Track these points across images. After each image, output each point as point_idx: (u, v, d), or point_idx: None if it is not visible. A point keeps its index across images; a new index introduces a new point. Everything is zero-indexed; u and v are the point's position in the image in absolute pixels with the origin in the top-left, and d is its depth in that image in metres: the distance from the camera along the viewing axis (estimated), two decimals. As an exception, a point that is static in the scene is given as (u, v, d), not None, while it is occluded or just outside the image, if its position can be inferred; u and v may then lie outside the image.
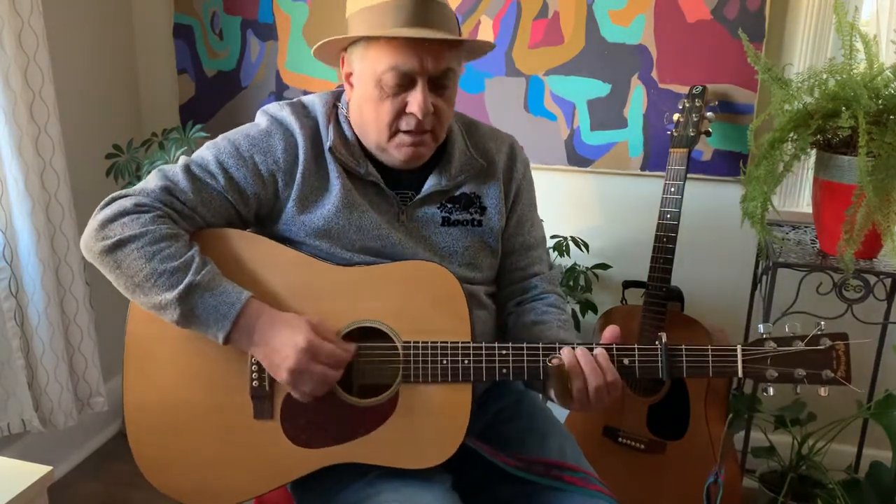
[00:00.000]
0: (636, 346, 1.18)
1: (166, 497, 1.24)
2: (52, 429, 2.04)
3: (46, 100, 1.91)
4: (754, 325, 2.16)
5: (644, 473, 1.96)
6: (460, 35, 1.24)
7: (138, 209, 1.18)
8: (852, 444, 2.09)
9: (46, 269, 1.95)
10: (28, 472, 1.18)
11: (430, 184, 1.30)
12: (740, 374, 1.16)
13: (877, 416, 1.83)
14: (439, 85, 1.21)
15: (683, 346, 1.17)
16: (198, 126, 2.13)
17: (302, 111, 1.29)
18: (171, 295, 1.13)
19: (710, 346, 1.17)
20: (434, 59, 1.18)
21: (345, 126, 1.29)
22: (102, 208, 1.20)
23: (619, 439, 1.99)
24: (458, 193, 1.32)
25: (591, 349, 1.17)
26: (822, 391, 1.16)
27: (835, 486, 1.84)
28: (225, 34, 2.38)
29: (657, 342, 1.17)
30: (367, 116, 1.24)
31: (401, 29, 1.16)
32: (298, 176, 1.25)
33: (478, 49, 1.31)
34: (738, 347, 1.16)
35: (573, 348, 1.17)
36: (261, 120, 1.29)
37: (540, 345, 1.19)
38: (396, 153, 1.24)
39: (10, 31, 1.79)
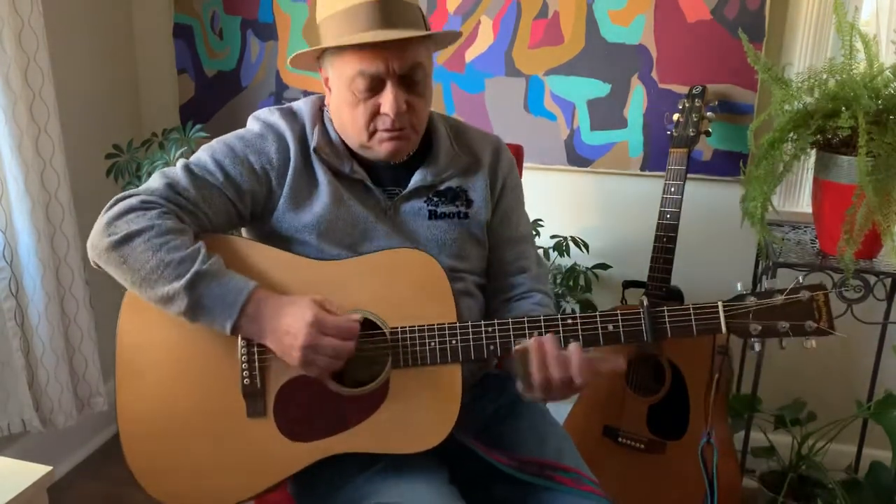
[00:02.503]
0: (618, 311, 1.18)
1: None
2: (52, 429, 2.04)
3: (46, 100, 1.92)
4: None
5: (644, 473, 1.96)
6: (426, 26, 1.26)
7: (144, 206, 1.20)
8: (852, 444, 2.09)
9: (46, 269, 1.95)
10: (28, 472, 1.18)
11: (416, 179, 1.33)
12: (724, 329, 1.15)
13: (877, 416, 1.84)
14: (409, 82, 1.23)
15: (666, 307, 1.17)
16: (198, 126, 2.13)
17: (291, 116, 1.33)
18: (178, 284, 1.14)
19: (691, 305, 1.16)
20: (399, 59, 1.20)
21: (329, 128, 1.33)
22: (108, 209, 1.21)
23: (619, 439, 1.98)
24: (443, 188, 1.35)
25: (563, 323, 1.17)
26: (808, 344, 1.15)
27: (835, 486, 1.84)
28: (225, 34, 2.38)
29: (640, 306, 1.17)
30: (346, 120, 1.28)
31: (361, 34, 1.19)
32: (289, 175, 1.29)
33: (445, 39, 1.34)
34: (719, 303, 1.16)
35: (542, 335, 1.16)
36: (253, 125, 1.34)
37: (525, 318, 1.19)
38: (379, 149, 1.28)
39: (10, 31, 1.80)
